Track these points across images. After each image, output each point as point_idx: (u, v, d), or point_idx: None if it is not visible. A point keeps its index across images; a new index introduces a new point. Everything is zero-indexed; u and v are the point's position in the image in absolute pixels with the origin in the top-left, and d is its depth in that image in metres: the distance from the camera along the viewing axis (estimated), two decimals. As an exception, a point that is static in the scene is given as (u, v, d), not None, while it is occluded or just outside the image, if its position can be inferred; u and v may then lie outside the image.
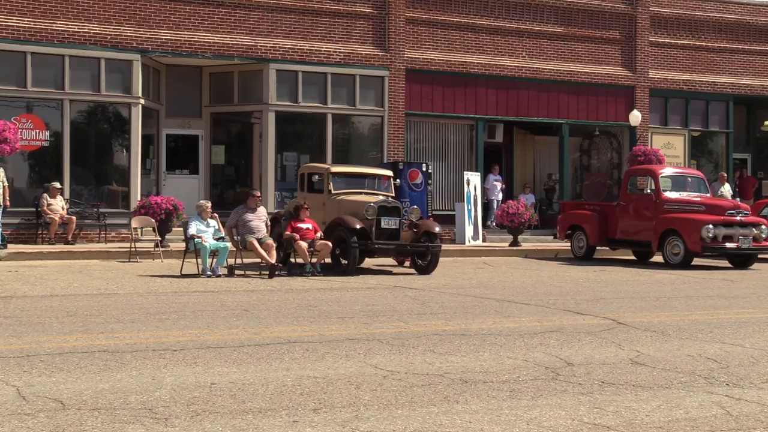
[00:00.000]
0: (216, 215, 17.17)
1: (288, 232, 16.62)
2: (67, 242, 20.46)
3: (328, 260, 17.21)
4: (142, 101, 22.40)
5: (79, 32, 21.61)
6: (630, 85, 27.73)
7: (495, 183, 26.35)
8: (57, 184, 20.80)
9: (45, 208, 20.59)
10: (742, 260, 19.87)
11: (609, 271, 18.40)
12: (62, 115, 21.57)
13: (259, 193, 17.66)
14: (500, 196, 26.12)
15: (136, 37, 22.14)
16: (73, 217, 20.78)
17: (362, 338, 8.83)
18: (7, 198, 19.70)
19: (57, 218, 20.41)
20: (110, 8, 22.00)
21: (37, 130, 21.39)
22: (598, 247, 21.71)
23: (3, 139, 18.95)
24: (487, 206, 25.86)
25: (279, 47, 23.48)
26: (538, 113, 26.83)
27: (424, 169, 22.48)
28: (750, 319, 10.79)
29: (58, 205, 20.73)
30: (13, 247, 19.31)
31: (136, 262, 18.56)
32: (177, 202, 20.66)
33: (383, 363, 7.51)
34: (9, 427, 5.37)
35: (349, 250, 16.69)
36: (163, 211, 20.11)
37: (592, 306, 11.90)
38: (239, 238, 16.63)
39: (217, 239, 16.39)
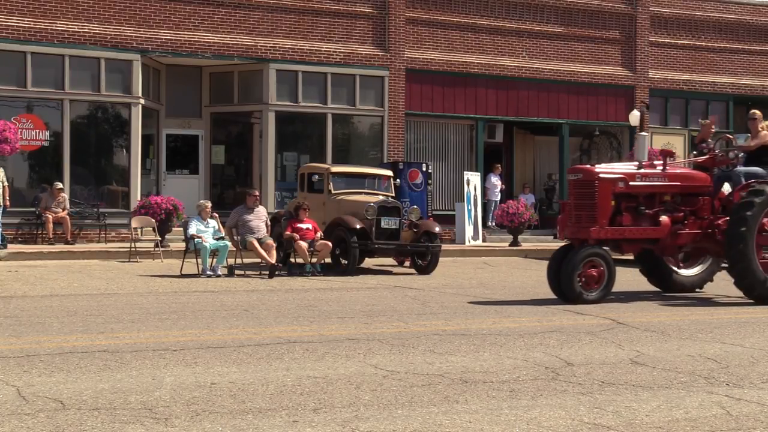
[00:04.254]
0: (216, 215, 17.18)
1: (288, 232, 16.63)
2: (67, 242, 20.47)
3: (328, 260, 17.21)
4: (142, 101, 22.41)
5: (79, 32, 21.62)
6: (630, 85, 27.73)
7: (495, 183, 26.35)
8: (59, 184, 20.81)
9: (42, 208, 20.62)
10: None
11: (609, 271, 18.36)
12: (62, 115, 21.58)
13: (257, 193, 17.66)
14: (499, 196, 26.11)
15: (136, 37, 22.15)
16: (67, 217, 20.75)
17: (362, 338, 8.83)
18: (7, 198, 19.70)
19: (51, 217, 20.40)
20: (110, 8, 22.01)
21: (37, 130, 21.40)
22: (598, 247, 21.65)
23: (3, 139, 18.96)
24: (486, 206, 25.85)
25: (279, 47, 23.49)
26: (538, 113, 26.82)
27: (424, 169, 22.48)
28: (750, 319, 10.78)
29: (60, 206, 20.74)
30: (13, 247, 19.31)
31: (136, 262, 18.55)
32: (177, 202, 20.67)
33: (383, 363, 7.51)
34: (9, 427, 5.37)
35: (349, 250, 16.69)
36: (163, 211, 20.12)
37: (591, 306, 11.89)
38: (239, 238, 16.64)
39: (217, 239, 16.39)
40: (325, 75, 24.08)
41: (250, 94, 24.18)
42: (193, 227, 16.35)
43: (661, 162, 13.18)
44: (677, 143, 28.57)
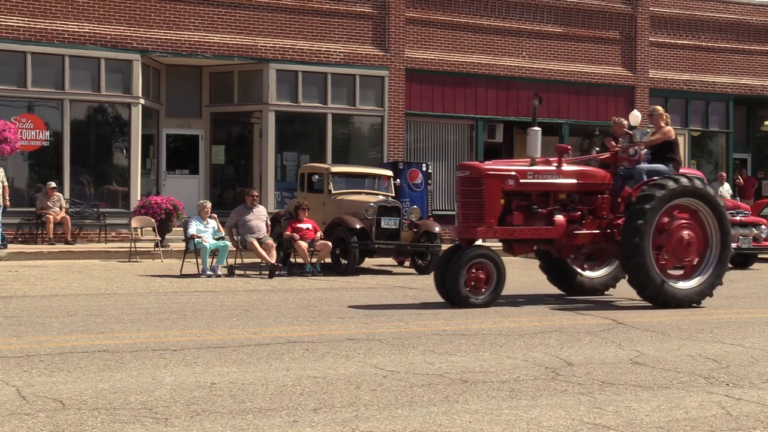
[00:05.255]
0: (215, 215, 17.19)
1: (288, 232, 16.63)
2: (67, 242, 20.47)
3: (328, 260, 17.21)
4: (142, 101, 22.41)
5: (79, 32, 21.62)
6: (630, 85, 27.73)
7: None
8: (52, 184, 20.80)
9: (38, 209, 20.63)
10: (741, 260, 19.87)
11: (609, 271, 18.37)
12: (62, 115, 21.58)
13: (256, 192, 17.67)
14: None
15: (136, 37, 22.14)
16: (68, 217, 20.77)
17: (362, 338, 8.83)
18: (7, 198, 19.72)
19: (52, 217, 20.41)
20: (110, 8, 22.01)
21: (37, 130, 21.40)
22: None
23: (3, 139, 18.97)
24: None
25: (279, 47, 23.48)
26: (538, 113, 26.80)
27: (424, 169, 22.48)
28: (750, 319, 10.78)
29: (56, 205, 20.74)
30: (13, 247, 19.32)
31: (136, 262, 18.56)
32: (177, 202, 20.70)
33: (383, 363, 7.51)
34: (9, 427, 5.37)
35: (349, 250, 16.69)
36: (163, 211, 20.14)
37: (591, 306, 11.89)
38: (239, 238, 16.65)
39: (217, 239, 16.40)
40: (325, 75, 24.08)
41: (250, 94, 24.17)
42: (193, 227, 16.35)
43: (557, 159, 12.41)
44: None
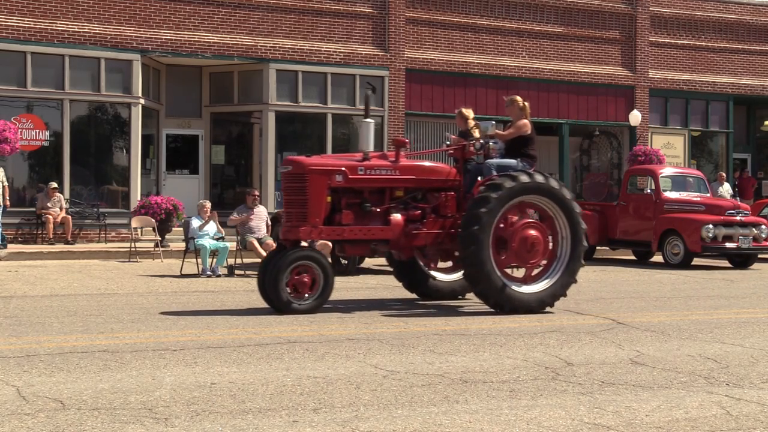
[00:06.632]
0: (215, 212, 17.18)
1: (288, 232, 16.60)
2: (66, 242, 20.47)
3: (328, 260, 17.18)
4: (142, 101, 22.41)
5: (79, 32, 21.62)
6: (630, 85, 27.73)
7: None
8: (53, 184, 20.80)
9: (38, 209, 20.63)
10: (742, 260, 19.88)
11: (609, 271, 18.39)
12: (62, 115, 21.59)
13: (257, 192, 17.66)
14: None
15: (136, 37, 22.15)
16: (69, 217, 20.78)
17: (362, 338, 8.83)
18: (7, 198, 19.72)
19: (52, 218, 20.42)
20: (110, 8, 22.01)
21: (37, 130, 21.40)
22: (598, 247, 21.69)
23: (3, 139, 18.97)
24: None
25: (279, 47, 23.49)
26: (538, 113, 26.77)
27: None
28: (750, 319, 10.78)
29: (56, 205, 20.74)
30: (13, 247, 19.32)
31: (136, 262, 18.56)
32: (177, 202, 20.70)
33: (383, 363, 7.51)
34: (9, 427, 5.37)
35: (349, 250, 16.63)
36: (163, 211, 20.16)
37: (592, 306, 11.88)
38: (239, 238, 16.64)
39: (217, 239, 16.40)
40: (325, 75, 24.09)
41: (250, 94, 24.18)
42: (195, 225, 16.36)
43: (394, 153, 11.46)
44: (677, 143, 28.59)
